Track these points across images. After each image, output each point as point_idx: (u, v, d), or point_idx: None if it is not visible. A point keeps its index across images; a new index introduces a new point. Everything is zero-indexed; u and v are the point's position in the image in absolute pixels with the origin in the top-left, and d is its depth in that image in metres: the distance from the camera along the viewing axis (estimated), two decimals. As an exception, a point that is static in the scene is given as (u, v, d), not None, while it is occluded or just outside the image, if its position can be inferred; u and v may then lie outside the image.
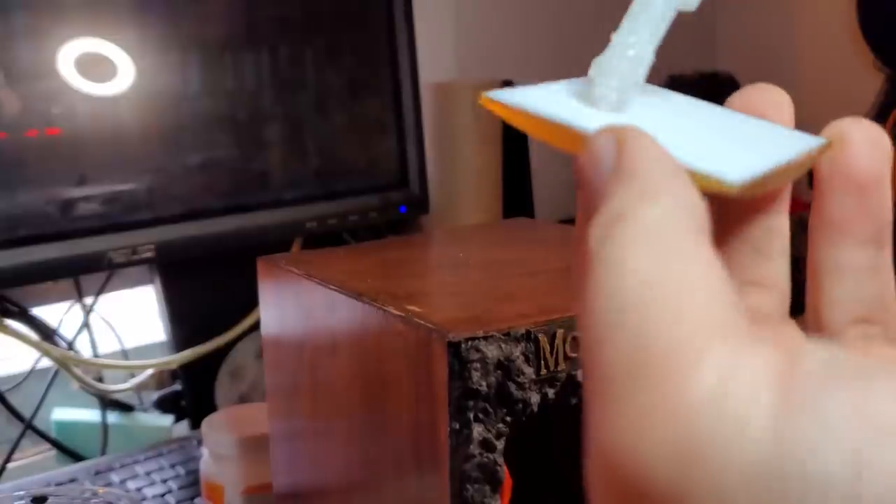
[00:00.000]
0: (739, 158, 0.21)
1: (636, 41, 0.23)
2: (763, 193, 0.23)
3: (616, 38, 0.23)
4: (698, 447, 0.15)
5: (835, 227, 0.22)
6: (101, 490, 0.54)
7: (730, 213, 0.23)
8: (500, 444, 0.38)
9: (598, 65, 0.23)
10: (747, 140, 0.22)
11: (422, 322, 0.38)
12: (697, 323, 0.16)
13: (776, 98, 0.23)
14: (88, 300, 0.90)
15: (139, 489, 0.71)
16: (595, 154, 0.19)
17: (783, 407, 0.15)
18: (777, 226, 0.23)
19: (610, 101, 0.22)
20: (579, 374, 0.40)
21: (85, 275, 0.86)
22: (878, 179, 0.21)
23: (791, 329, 0.22)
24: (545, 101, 0.23)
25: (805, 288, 0.23)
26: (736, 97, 0.24)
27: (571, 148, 0.22)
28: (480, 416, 0.37)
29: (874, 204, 0.22)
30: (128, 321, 0.94)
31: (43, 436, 0.87)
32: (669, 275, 0.17)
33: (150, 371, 0.91)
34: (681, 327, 0.16)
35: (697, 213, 0.18)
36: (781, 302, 0.24)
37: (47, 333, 0.86)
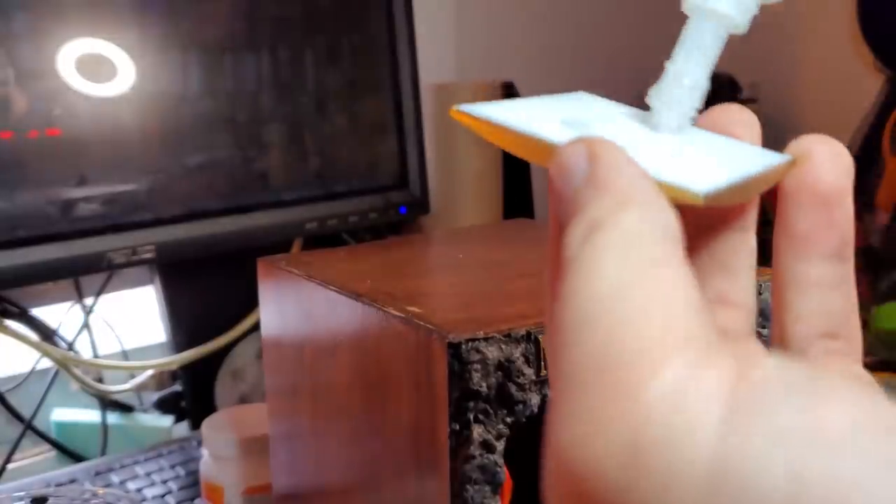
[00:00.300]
0: (705, 170, 0.21)
1: (690, 69, 0.23)
2: (730, 206, 0.23)
3: (670, 66, 0.23)
4: (646, 451, 0.15)
5: (800, 240, 0.22)
6: (100, 491, 0.54)
7: (698, 229, 0.24)
8: (500, 446, 0.37)
9: (658, 95, 0.23)
10: (713, 154, 0.23)
11: (422, 323, 0.38)
12: (662, 331, 0.17)
13: (742, 117, 0.24)
14: (88, 301, 0.90)
15: (139, 490, 0.71)
16: (567, 165, 0.20)
17: (732, 416, 0.15)
18: (743, 245, 0.24)
19: (670, 130, 0.23)
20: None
21: (85, 275, 0.86)
22: (841, 194, 0.22)
23: (755, 346, 0.23)
24: (514, 114, 0.23)
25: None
26: (703, 116, 0.24)
27: (538, 159, 0.22)
28: (480, 417, 0.37)
29: (838, 218, 0.22)
30: (128, 322, 0.94)
31: (43, 436, 0.87)
32: (640, 282, 0.17)
33: (150, 372, 0.91)
34: (646, 334, 0.16)
35: (670, 223, 0.19)
36: (747, 319, 0.24)
37: (47, 334, 0.86)
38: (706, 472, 0.15)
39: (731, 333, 0.24)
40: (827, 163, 0.22)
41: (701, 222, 0.24)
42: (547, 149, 0.21)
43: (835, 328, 0.23)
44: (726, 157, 0.22)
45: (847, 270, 0.23)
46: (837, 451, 0.14)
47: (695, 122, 0.24)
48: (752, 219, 0.24)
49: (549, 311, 0.19)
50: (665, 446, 0.15)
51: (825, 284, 0.22)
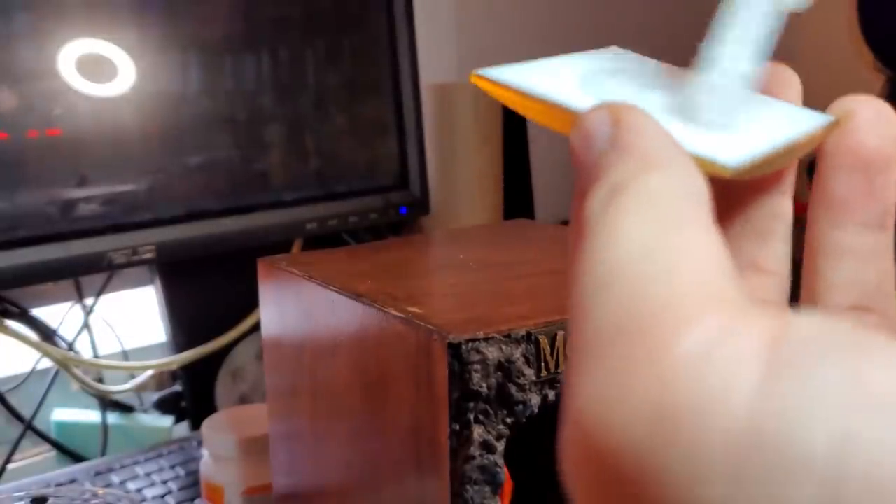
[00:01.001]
0: (737, 139, 0.20)
1: (740, 55, 0.20)
2: (765, 174, 0.22)
3: (715, 53, 0.21)
4: (675, 410, 0.14)
5: (838, 206, 0.21)
6: (101, 491, 0.54)
7: (733, 193, 0.23)
8: (500, 446, 0.37)
9: (702, 88, 0.21)
10: (748, 120, 0.21)
11: (422, 323, 0.38)
12: (691, 288, 0.16)
13: (784, 76, 0.23)
14: (89, 301, 0.90)
15: (139, 490, 0.71)
16: (589, 130, 0.19)
17: (770, 374, 0.14)
18: (780, 209, 0.23)
19: (717, 125, 0.21)
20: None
21: (85, 275, 0.86)
22: (885, 158, 0.21)
23: (789, 312, 0.22)
24: (536, 79, 0.22)
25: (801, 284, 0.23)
26: None
27: (560, 127, 0.21)
28: (481, 417, 0.37)
29: (880, 184, 0.21)
30: (128, 322, 0.94)
31: (43, 436, 0.86)
32: (666, 241, 0.16)
33: (150, 372, 0.91)
34: (673, 291, 0.15)
35: (697, 185, 0.18)
36: (781, 288, 0.23)
37: (47, 334, 0.86)
38: (741, 435, 0.14)
39: (764, 301, 0.23)
40: (870, 124, 0.21)
41: (737, 187, 0.23)
42: (569, 116, 0.21)
43: (868, 301, 0.21)
44: (764, 121, 0.21)
45: (886, 241, 0.21)
46: (885, 413, 0.13)
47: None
48: (789, 184, 0.23)
49: (569, 284, 0.19)
50: (696, 408, 0.14)
51: (861, 254, 0.21)
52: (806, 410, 0.14)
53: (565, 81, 0.22)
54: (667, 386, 0.15)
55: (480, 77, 0.23)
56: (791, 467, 0.13)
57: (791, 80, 0.23)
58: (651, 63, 0.24)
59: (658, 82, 0.23)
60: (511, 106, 0.23)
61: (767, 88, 0.23)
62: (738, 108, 0.21)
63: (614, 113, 0.19)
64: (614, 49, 0.25)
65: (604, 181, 0.18)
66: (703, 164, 0.19)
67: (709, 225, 0.17)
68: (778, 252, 0.23)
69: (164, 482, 0.72)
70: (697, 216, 0.17)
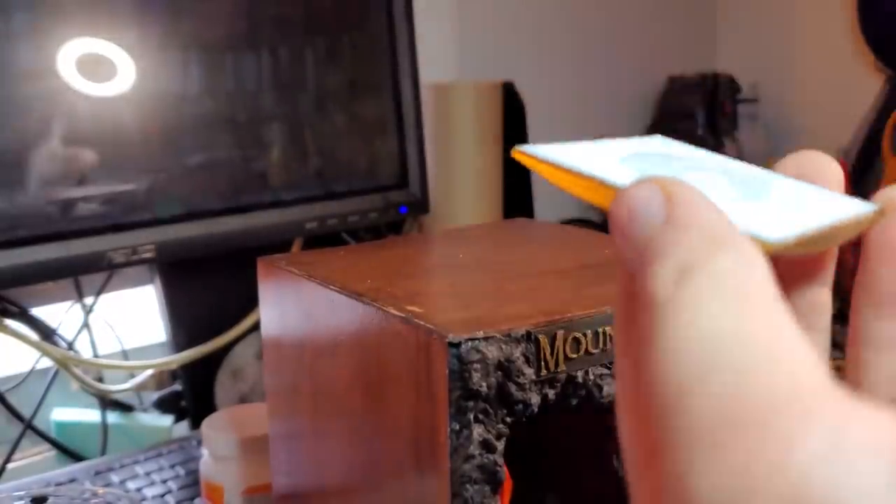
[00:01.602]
0: (779, 218, 0.20)
1: None
2: (805, 256, 0.22)
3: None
4: None
5: (883, 300, 0.21)
6: (100, 490, 0.54)
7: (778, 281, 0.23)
8: (500, 445, 0.38)
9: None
10: (791, 200, 0.21)
11: (422, 323, 0.38)
12: (799, 377, 0.16)
13: (825, 165, 0.23)
14: (88, 300, 0.90)
15: (139, 489, 0.71)
16: (635, 205, 0.18)
17: None
18: (820, 300, 0.23)
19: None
20: (580, 376, 0.40)
21: (85, 275, 0.86)
22: None
23: None
24: (576, 155, 0.22)
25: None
26: (785, 162, 0.23)
27: (602, 202, 0.22)
28: (480, 416, 0.37)
29: None
30: (128, 321, 0.94)
31: (43, 436, 0.87)
32: (757, 325, 0.16)
33: (150, 371, 0.91)
34: (782, 380, 0.15)
35: (765, 267, 0.18)
36: None
37: (47, 333, 0.86)
38: None
39: None
40: None
41: (779, 277, 0.22)
42: (609, 191, 0.21)
43: None
44: (806, 203, 0.21)
45: None
46: None
47: (775, 168, 0.23)
48: (829, 275, 0.23)
49: (629, 360, 0.18)
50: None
51: None
52: None
53: (606, 158, 0.22)
54: (798, 481, 0.15)
55: (522, 153, 0.23)
56: None
57: (833, 171, 0.23)
58: (698, 150, 0.25)
59: (701, 164, 0.23)
60: (553, 181, 0.23)
61: (808, 176, 0.22)
62: (777, 190, 0.21)
63: (665, 188, 0.18)
64: (659, 137, 0.25)
65: (667, 260, 0.18)
66: None
67: (784, 308, 0.17)
68: (819, 342, 0.23)
69: (164, 482, 0.72)
70: (774, 299, 0.17)
